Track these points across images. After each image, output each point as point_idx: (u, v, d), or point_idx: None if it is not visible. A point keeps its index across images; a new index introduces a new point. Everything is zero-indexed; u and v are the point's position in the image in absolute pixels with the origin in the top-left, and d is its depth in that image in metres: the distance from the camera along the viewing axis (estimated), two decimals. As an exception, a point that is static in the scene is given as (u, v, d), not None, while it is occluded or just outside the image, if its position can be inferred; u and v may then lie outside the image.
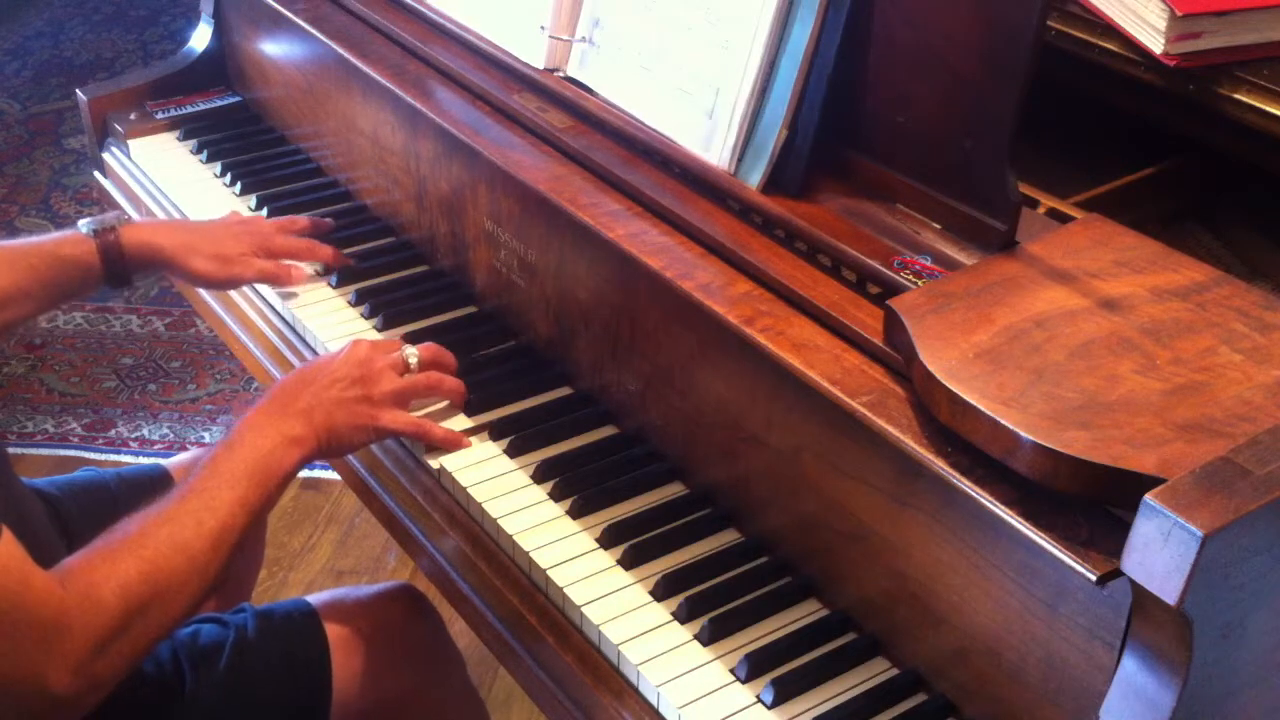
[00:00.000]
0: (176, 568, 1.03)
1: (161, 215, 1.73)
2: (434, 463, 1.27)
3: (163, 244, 1.42)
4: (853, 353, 1.03)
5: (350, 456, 1.37)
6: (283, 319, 1.52)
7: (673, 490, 1.23)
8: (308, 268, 1.54)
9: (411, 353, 1.28)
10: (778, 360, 1.04)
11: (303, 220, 1.56)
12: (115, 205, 1.89)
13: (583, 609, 1.10)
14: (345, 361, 1.24)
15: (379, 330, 1.45)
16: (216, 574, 1.07)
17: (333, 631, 1.28)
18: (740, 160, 1.18)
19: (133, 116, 1.87)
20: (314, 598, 1.32)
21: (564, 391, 1.36)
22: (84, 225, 1.39)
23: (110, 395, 2.72)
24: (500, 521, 1.19)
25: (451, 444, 1.27)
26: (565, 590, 1.12)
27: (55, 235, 1.39)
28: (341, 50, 1.55)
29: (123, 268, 1.40)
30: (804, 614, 1.12)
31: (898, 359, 0.99)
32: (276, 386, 1.21)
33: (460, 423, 1.31)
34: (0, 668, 0.94)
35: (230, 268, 1.44)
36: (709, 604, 1.11)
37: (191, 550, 1.04)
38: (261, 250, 1.47)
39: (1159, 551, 0.77)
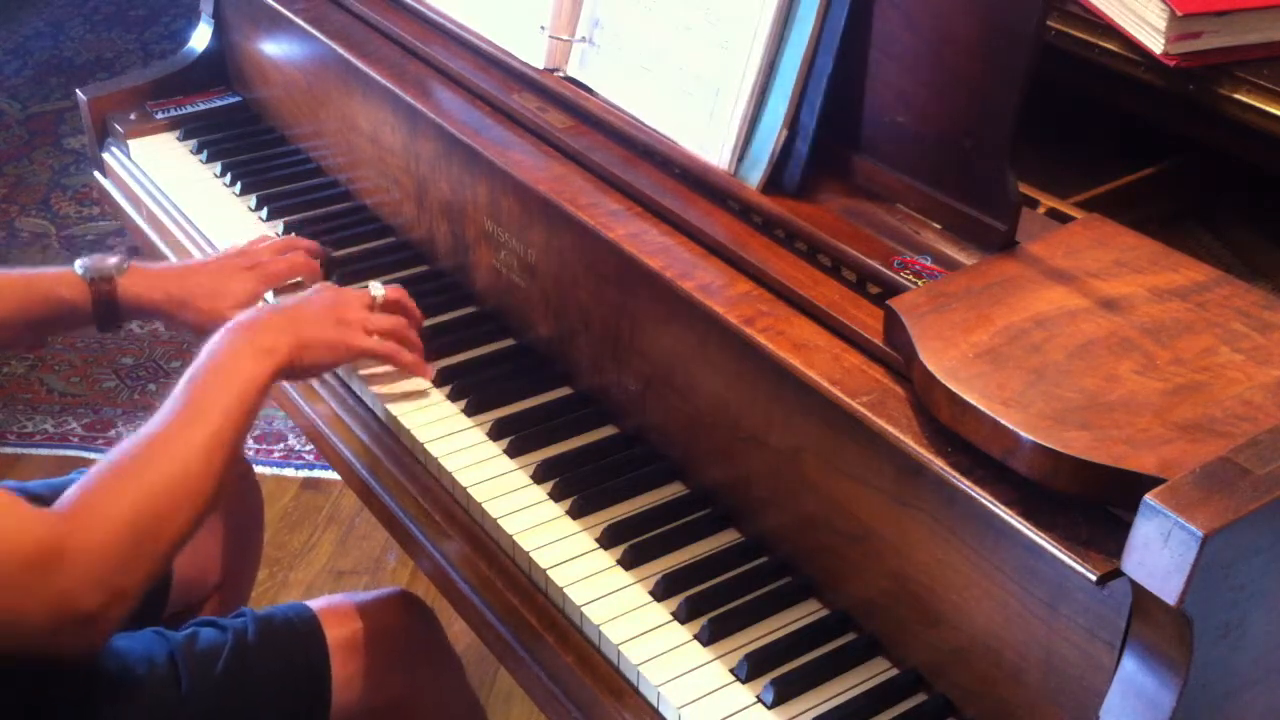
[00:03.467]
0: (173, 481, 1.06)
1: (161, 215, 1.73)
2: (432, 456, 1.27)
3: (153, 300, 1.39)
4: (853, 353, 1.03)
5: (350, 456, 1.37)
6: (283, 319, 1.52)
7: (673, 490, 1.23)
8: None
9: (377, 290, 1.34)
10: (778, 360, 1.04)
11: (304, 243, 1.54)
12: (115, 205, 1.89)
13: (583, 609, 1.10)
14: (315, 294, 1.31)
15: (379, 330, 1.45)
16: (215, 484, 1.10)
17: (332, 636, 1.28)
18: (740, 160, 1.18)
19: (133, 116, 1.87)
20: (313, 603, 1.32)
21: (564, 391, 1.36)
22: (80, 268, 1.35)
23: (110, 395, 2.72)
24: (500, 521, 1.19)
25: (419, 369, 1.34)
26: (565, 590, 1.12)
27: (50, 271, 1.37)
28: (341, 50, 1.55)
29: (114, 316, 1.38)
30: (804, 614, 1.12)
31: (898, 359, 0.99)
32: (243, 313, 1.24)
33: (461, 421, 1.31)
34: (23, 605, 0.98)
35: (218, 320, 1.36)
36: (709, 604, 1.11)
37: (187, 463, 1.07)
38: (265, 285, 1.45)
39: (1159, 551, 0.77)
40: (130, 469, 1.06)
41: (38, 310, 1.35)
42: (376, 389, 1.35)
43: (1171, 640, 0.81)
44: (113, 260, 1.37)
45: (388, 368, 1.36)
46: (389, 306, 1.35)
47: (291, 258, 1.49)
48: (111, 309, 1.37)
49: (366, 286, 1.35)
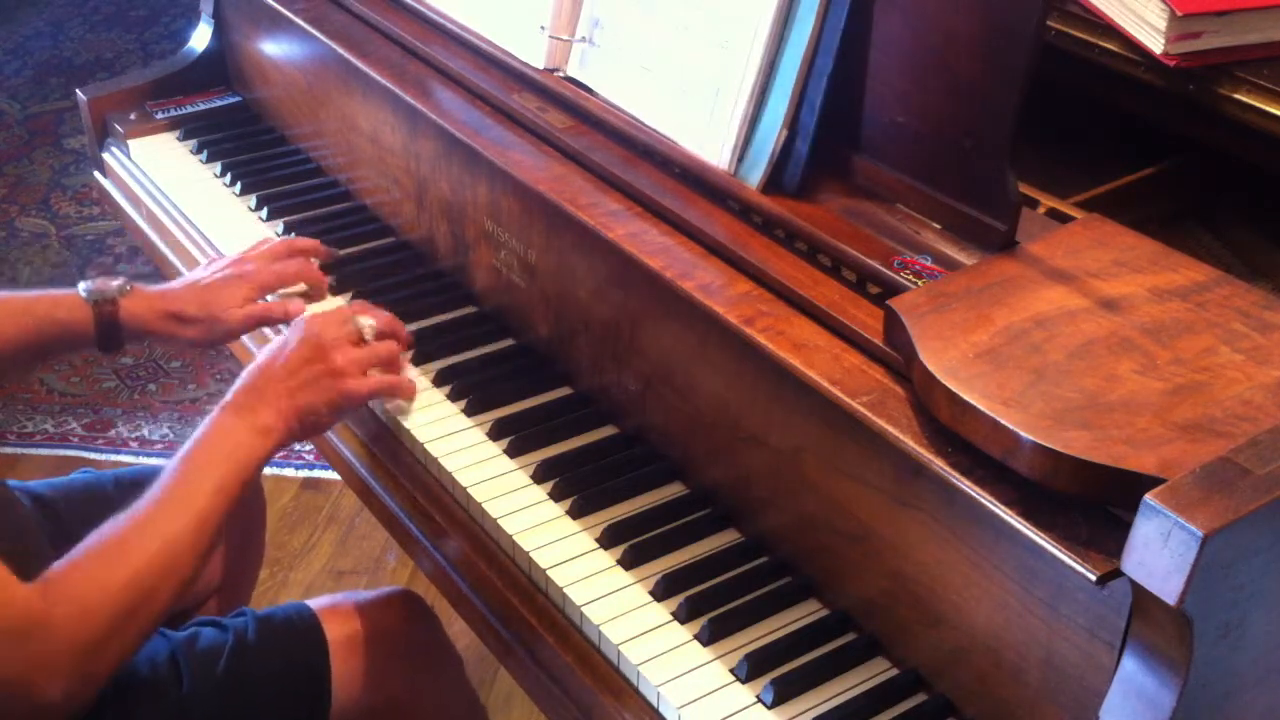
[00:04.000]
0: (158, 567, 1.06)
1: (161, 215, 1.73)
2: (432, 456, 1.27)
3: (152, 321, 1.38)
4: (853, 353, 1.03)
5: (350, 456, 1.37)
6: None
7: (673, 490, 1.23)
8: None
9: (367, 324, 1.30)
10: (778, 360, 1.04)
11: (303, 243, 1.53)
12: (115, 205, 1.89)
13: (583, 609, 1.10)
14: (300, 343, 1.24)
15: (379, 330, 1.45)
16: (199, 562, 1.10)
17: (332, 635, 1.28)
18: (740, 160, 1.18)
19: (133, 116, 1.87)
20: (314, 602, 1.32)
21: (564, 391, 1.35)
22: (84, 290, 1.35)
23: (110, 395, 2.72)
24: (500, 521, 1.19)
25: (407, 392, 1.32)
26: (565, 590, 1.12)
27: (53, 293, 1.36)
28: (341, 50, 1.55)
29: (116, 339, 1.37)
30: (804, 614, 1.12)
31: (898, 359, 0.99)
32: (237, 385, 1.22)
33: (460, 421, 1.31)
34: None
35: (218, 328, 1.40)
36: (709, 604, 1.11)
37: (172, 548, 1.07)
38: (255, 291, 1.43)
39: (1159, 551, 0.77)
40: (114, 555, 1.05)
41: (39, 332, 1.34)
42: (376, 389, 1.35)
43: (1171, 640, 0.81)
44: (115, 283, 1.37)
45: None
46: (380, 336, 1.31)
47: (283, 267, 1.46)
48: (114, 331, 1.36)
49: (355, 320, 1.30)
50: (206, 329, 1.39)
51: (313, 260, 1.50)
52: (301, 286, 1.50)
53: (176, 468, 1.13)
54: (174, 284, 1.46)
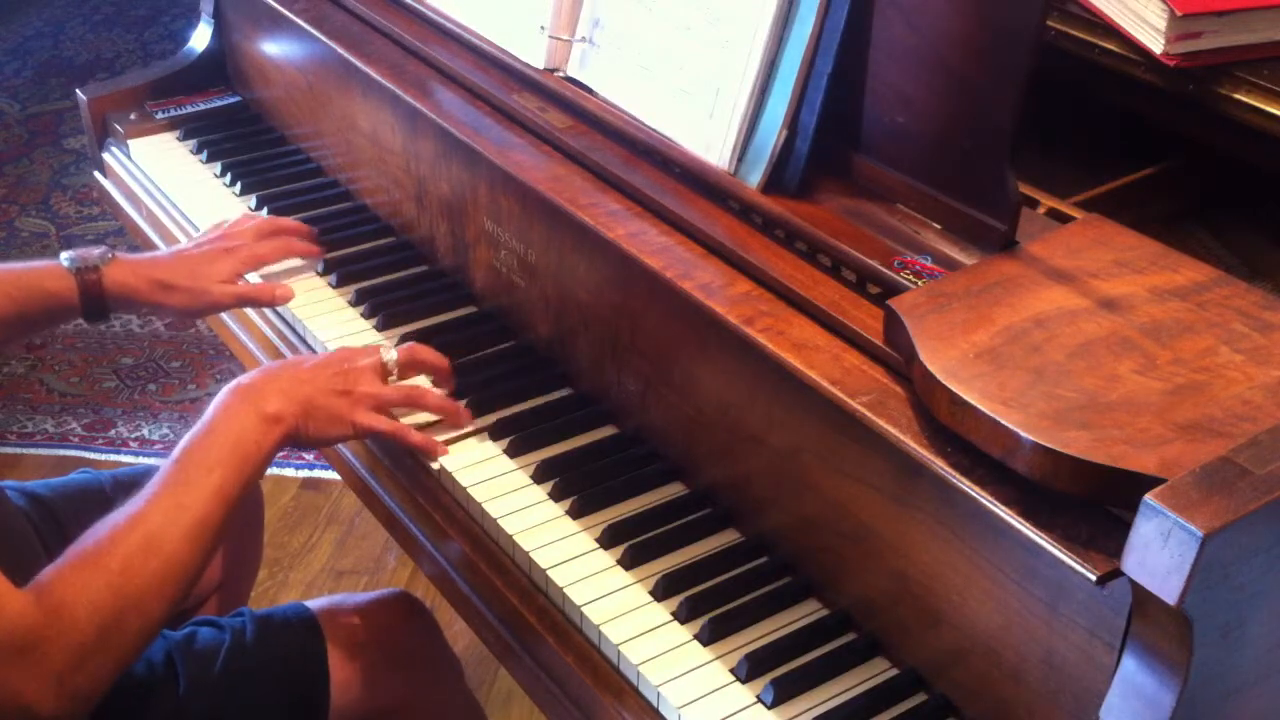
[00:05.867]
0: (151, 572, 1.01)
1: (161, 215, 1.74)
2: (434, 464, 1.27)
3: (138, 287, 1.38)
4: (853, 353, 1.03)
5: (350, 456, 1.37)
6: (283, 319, 1.52)
7: (673, 490, 1.23)
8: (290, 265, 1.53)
9: (389, 358, 1.27)
10: (778, 360, 1.04)
11: (287, 223, 1.54)
12: (115, 205, 1.89)
13: (583, 609, 1.10)
14: (327, 360, 1.24)
15: (378, 330, 1.45)
16: (196, 569, 1.05)
17: (331, 637, 1.28)
18: (740, 160, 1.18)
19: (133, 116, 1.87)
20: (312, 603, 1.32)
21: (564, 392, 1.35)
22: (66, 260, 1.35)
23: (110, 395, 2.72)
24: (500, 521, 1.19)
25: (428, 449, 1.26)
26: (565, 590, 1.12)
27: (36, 265, 1.36)
28: (341, 50, 1.55)
29: (101, 306, 1.37)
30: (804, 614, 1.12)
31: (898, 359, 0.99)
32: (251, 372, 1.20)
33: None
34: None
35: (204, 299, 1.41)
36: (709, 604, 1.11)
37: (166, 551, 1.02)
38: (243, 267, 1.44)
39: (1159, 551, 0.77)
40: (110, 561, 1.00)
41: (25, 304, 1.34)
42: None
43: (1171, 640, 0.81)
44: (97, 251, 1.37)
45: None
46: (404, 370, 1.28)
47: (277, 243, 1.49)
48: (98, 299, 1.37)
49: (380, 351, 1.27)
50: (193, 298, 1.40)
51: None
52: (296, 262, 1.53)
53: (176, 462, 1.08)
54: (161, 253, 1.47)
